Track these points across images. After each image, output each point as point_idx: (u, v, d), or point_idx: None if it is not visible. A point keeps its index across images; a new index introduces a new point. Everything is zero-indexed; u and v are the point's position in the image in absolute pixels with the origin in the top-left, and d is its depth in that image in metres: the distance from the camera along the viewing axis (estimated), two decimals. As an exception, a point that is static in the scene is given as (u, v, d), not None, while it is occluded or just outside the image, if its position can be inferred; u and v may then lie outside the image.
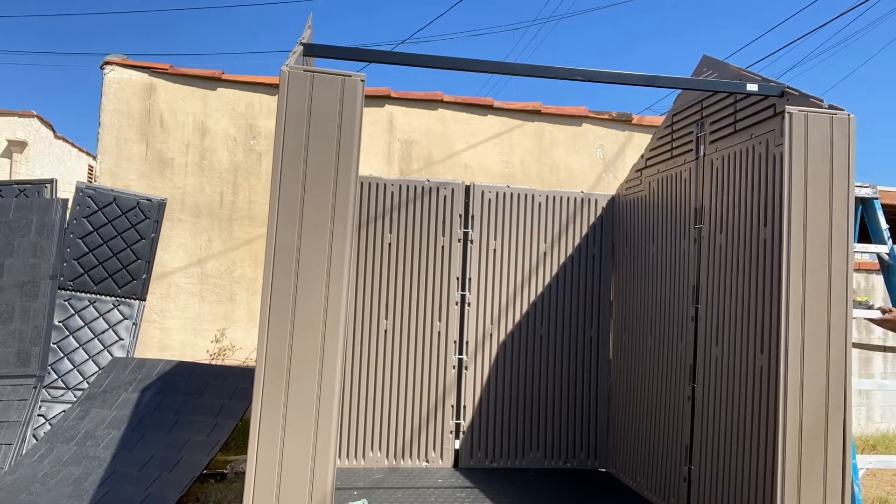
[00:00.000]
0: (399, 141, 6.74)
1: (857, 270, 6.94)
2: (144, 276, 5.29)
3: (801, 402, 2.84)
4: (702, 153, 3.88)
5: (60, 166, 15.69)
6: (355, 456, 4.69)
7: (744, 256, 3.38)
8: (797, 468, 2.82)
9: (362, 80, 2.88)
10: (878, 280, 7.04)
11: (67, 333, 5.08)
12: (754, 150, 3.34)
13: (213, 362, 6.09)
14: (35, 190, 5.47)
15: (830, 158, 2.92)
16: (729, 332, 3.48)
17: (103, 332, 5.13)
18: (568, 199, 5.07)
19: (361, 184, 4.80)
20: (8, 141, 14.29)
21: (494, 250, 4.94)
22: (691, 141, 4.01)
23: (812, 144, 2.91)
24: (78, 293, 5.19)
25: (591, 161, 7.08)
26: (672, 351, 4.07)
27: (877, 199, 3.80)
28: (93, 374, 4.96)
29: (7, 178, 13.44)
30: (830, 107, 2.97)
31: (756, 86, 3.17)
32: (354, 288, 4.76)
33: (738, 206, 3.45)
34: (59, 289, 5.15)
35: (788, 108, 2.92)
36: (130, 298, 5.25)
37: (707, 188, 3.79)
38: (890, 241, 3.75)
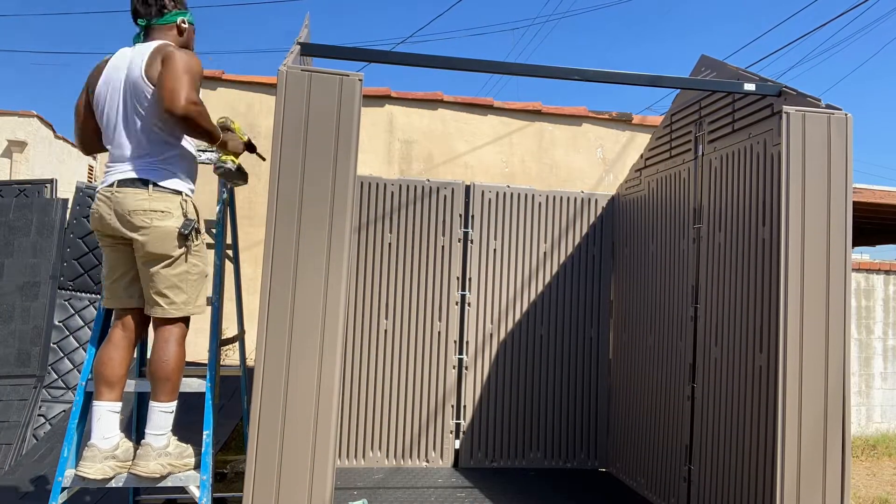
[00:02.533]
0: (399, 141, 6.74)
1: (857, 270, 6.94)
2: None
3: (801, 402, 2.84)
4: (700, 153, 3.88)
5: (60, 166, 15.71)
6: (355, 456, 4.69)
7: (742, 256, 3.39)
8: (797, 467, 2.82)
9: (360, 80, 2.88)
10: (879, 280, 7.04)
11: (67, 333, 5.09)
12: (752, 149, 3.35)
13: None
14: (35, 190, 5.49)
15: (828, 158, 2.92)
16: (728, 331, 3.48)
17: (103, 332, 5.14)
18: (568, 199, 5.07)
19: (361, 184, 4.80)
20: (8, 141, 14.31)
21: (494, 250, 4.94)
22: (690, 141, 4.01)
23: (809, 144, 2.92)
24: (78, 293, 5.20)
25: (591, 161, 7.08)
26: (672, 350, 4.07)
27: None
28: (93, 374, 4.97)
29: (7, 178, 13.45)
30: (828, 106, 2.97)
31: (753, 85, 3.17)
32: (354, 288, 4.76)
33: (737, 205, 3.46)
34: (59, 289, 5.16)
35: (786, 107, 2.92)
36: (130, 298, 5.25)
37: (706, 188, 3.79)
38: None
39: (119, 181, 2.66)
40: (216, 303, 3.25)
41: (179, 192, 2.78)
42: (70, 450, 2.90)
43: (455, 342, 4.86)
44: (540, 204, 5.03)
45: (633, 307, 4.65)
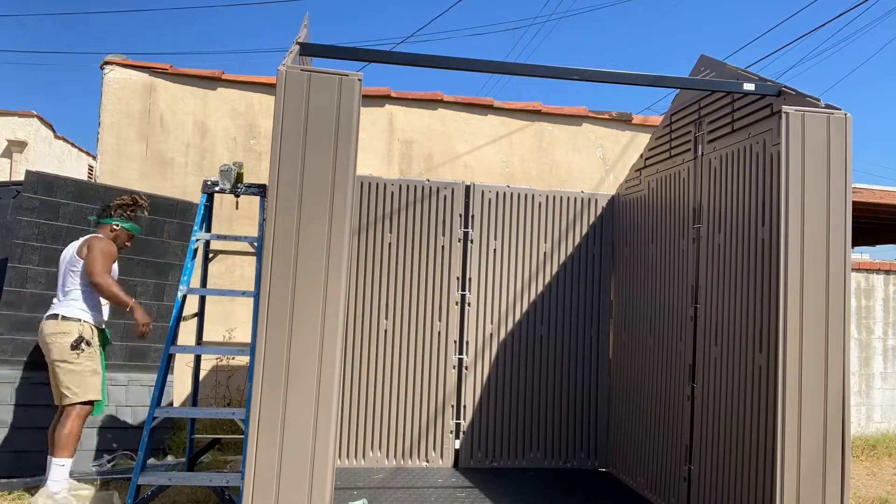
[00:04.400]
0: (399, 141, 6.74)
1: (857, 270, 6.94)
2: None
3: (800, 401, 2.84)
4: (700, 153, 3.88)
5: (60, 166, 15.70)
6: (355, 456, 4.69)
7: (742, 256, 3.39)
8: (797, 467, 2.82)
9: (359, 80, 2.88)
10: (879, 280, 7.04)
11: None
12: (752, 149, 3.35)
13: (218, 363, 6.10)
14: (35, 190, 5.46)
15: (827, 157, 2.92)
16: (728, 331, 3.48)
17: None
18: (568, 198, 5.07)
19: (361, 184, 4.80)
20: (8, 141, 14.31)
21: (494, 250, 4.95)
22: (690, 141, 4.01)
23: (809, 144, 2.92)
24: (78, 293, 5.19)
25: (591, 161, 7.08)
26: (671, 350, 4.07)
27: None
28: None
29: (7, 178, 13.46)
30: (827, 106, 2.97)
31: (753, 85, 3.17)
32: (354, 288, 4.76)
33: (737, 205, 3.46)
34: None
35: (785, 107, 2.92)
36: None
37: (705, 188, 3.79)
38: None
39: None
40: (257, 302, 3.18)
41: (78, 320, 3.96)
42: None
43: (455, 342, 4.86)
44: (540, 204, 5.03)
45: (633, 307, 4.65)
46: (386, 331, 4.78)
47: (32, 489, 4.17)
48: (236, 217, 6.42)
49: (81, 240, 4.13)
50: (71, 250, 4.11)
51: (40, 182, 4.81)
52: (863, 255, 14.72)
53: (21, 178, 4.96)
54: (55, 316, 3.95)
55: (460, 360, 4.86)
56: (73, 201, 4.89)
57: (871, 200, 7.06)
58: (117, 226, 4.21)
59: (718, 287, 3.59)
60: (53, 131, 15.62)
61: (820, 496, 2.83)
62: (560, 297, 5.00)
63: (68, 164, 16.42)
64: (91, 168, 17.01)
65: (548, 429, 4.93)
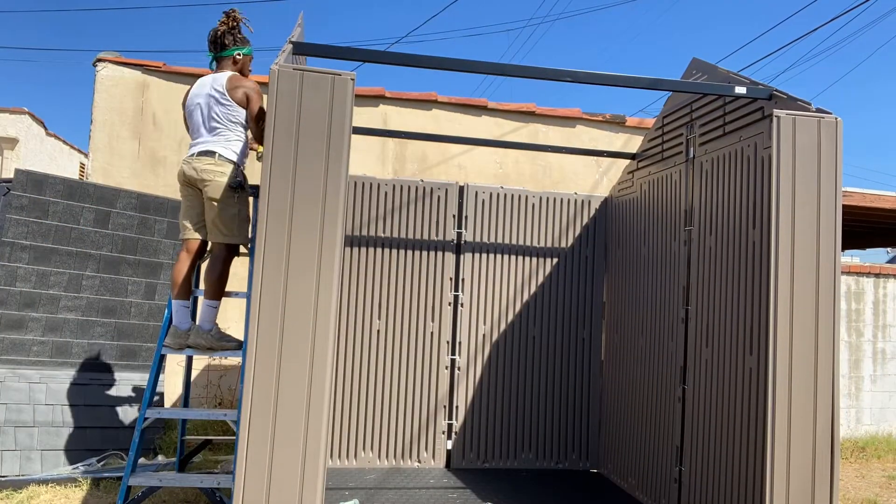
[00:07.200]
0: (393, 141, 6.74)
1: (847, 273, 6.98)
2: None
3: (790, 404, 2.86)
4: (691, 155, 3.90)
5: (52, 164, 15.61)
6: (347, 456, 4.68)
7: (733, 258, 3.40)
8: (786, 469, 2.84)
9: (352, 79, 2.88)
10: (868, 283, 7.08)
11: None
12: (743, 152, 3.36)
13: (212, 362, 6.09)
14: (26, 188, 5.43)
15: (818, 161, 2.94)
16: (719, 333, 3.50)
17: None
18: (561, 200, 5.08)
19: (355, 183, 4.80)
20: (-1, 138, 14.20)
21: (488, 251, 4.95)
22: (681, 143, 4.03)
23: (800, 147, 2.93)
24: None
25: (584, 162, 7.09)
26: (663, 352, 4.09)
27: None
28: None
29: (-1, 175, 13.35)
30: (818, 110, 2.99)
31: (744, 89, 3.19)
32: (347, 288, 4.76)
33: (728, 208, 3.47)
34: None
35: (776, 111, 2.93)
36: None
37: (697, 190, 3.81)
38: None
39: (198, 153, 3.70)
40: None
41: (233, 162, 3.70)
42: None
43: (448, 343, 4.86)
44: (533, 205, 5.03)
45: (625, 309, 4.66)
46: (378, 331, 4.78)
47: (21, 488, 4.15)
48: (229, 216, 6.38)
49: (222, 77, 3.69)
50: (210, 87, 3.68)
51: (29, 180, 4.78)
52: (853, 258, 14.81)
53: (12, 175, 4.93)
54: (211, 153, 3.63)
55: (453, 361, 4.86)
56: (62, 199, 4.87)
57: (862, 204, 7.12)
58: (240, 55, 3.81)
59: (709, 289, 3.61)
60: (45, 128, 15.52)
61: (809, 498, 2.84)
62: (553, 298, 5.01)
63: (60, 161, 16.32)
64: (83, 166, 16.92)
65: (540, 430, 4.93)
